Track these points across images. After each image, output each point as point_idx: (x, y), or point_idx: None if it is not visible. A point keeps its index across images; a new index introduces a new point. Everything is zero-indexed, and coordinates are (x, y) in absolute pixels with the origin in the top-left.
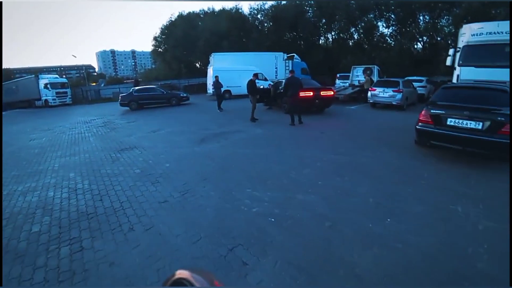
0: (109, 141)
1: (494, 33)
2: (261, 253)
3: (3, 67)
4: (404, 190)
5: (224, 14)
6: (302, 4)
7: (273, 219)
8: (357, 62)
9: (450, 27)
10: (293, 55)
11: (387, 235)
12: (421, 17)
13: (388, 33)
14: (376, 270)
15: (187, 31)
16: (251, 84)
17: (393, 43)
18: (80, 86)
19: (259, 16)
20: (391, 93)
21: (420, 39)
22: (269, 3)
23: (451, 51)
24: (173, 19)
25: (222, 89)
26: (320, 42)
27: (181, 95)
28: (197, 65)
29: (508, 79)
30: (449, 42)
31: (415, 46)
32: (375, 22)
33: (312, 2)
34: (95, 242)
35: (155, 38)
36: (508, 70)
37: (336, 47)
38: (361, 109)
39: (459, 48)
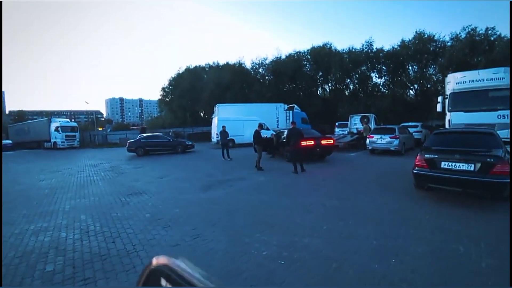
0: (118, 185)
1: (476, 80)
2: None
3: (21, 110)
4: (406, 231)
5: (228, 68)
6: (300, 59)
7: (282, 262)
8: (353, 111)
9: (438, 75)
10: (293, 106)
11: (392, 275)
12: (410, 67)
13: (381, 82)
14: None
15: (193, 83)
16: (257, 134)
17: (386, 91)
18: (88, 130)
19: (260, 69)
20: (388, 139)
21: (411, 86)
22: (270, 58)
23: (440, 99)
24: (180, 72)
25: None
26: (318, 92)
27: (187, 143)
28: (201, 114)
29: (494, 121)
30: (438, 88)
31: (408, 93)
32: (368, 73)
33: (309, 57)
34: (110, 283)
35: (163, 89)
36: (494, 113)
37: (333, 97)
38: (361, 156)
39: (447, 95)
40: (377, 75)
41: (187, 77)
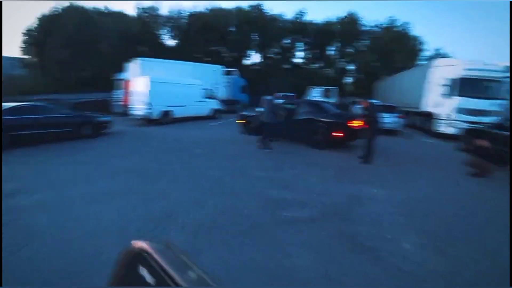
0: None
1: (483, 70)
2: None
3: None
4: None
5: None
6: (227, 16)
7: None
8: (286, 84)
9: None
10: (234, 70)
11: None
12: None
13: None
14: None
15: (82, 29)
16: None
17: (313, 65)
18: None
19: (181, 21)
20: (395, 119)
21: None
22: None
23: (448, 81)
24: (59, 9)
25: (160, 109)
26: (247, 59)
27: (99, 118)
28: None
29: (494, 109)
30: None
31: (327, 71)
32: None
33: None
34: None
35: (28, 33)
36: (493, 101)
37: (264, 66)
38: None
39: (450, 79)
40: (304, 48)
41: (72, 18)
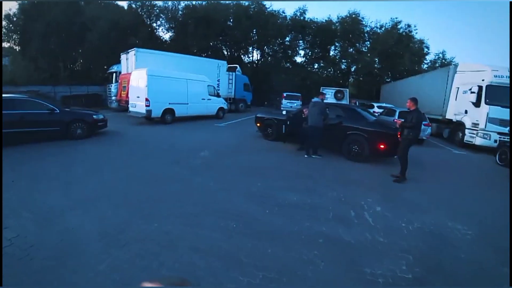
0: None
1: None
2: None
3: None
4: None
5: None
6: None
7: None
8: (289, 83)
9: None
10: (236, 66)
11: None
12: (336, 44)
13: (308, 55)
14: None
15: (69, 17)
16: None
17: (317, 66)
18: None
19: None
20: (423, 127)
21: (336, 65)
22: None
23: (475, 89)
24: None
25: (160, 107)
26: (248, 56)
27: (94, 116)
28: (78, 67)
29: None
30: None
31: (331, 70)
32: (296, 43)
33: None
34: None
35: (7, 18)
36: None
37: (264, 64)
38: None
39: (478, 86)
40: (304, 47)
41: (58, 4)
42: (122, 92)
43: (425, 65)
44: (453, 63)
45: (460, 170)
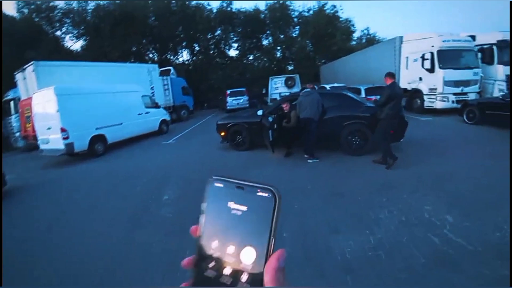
0: None
1: (457, 40)
2: None
3: None
4: None
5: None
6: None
7: None
8: (229, 80)
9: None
10: (170, 69)
11: None
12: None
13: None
14: None
15: None
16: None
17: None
18: None
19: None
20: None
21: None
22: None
23: (428, 55)
24: None
25: (84, 136)
26: (178, 56)
27: None
28: None
29: (471, 78)
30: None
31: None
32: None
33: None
34: None
35: None
36: (470, 71)
37: (197, 62)
38: None
39: (431, 52)
40: (237, 39)
41: None
42: (27, 125)
43: (354, 42)
44: (377, 37)
45: (443, 137)
